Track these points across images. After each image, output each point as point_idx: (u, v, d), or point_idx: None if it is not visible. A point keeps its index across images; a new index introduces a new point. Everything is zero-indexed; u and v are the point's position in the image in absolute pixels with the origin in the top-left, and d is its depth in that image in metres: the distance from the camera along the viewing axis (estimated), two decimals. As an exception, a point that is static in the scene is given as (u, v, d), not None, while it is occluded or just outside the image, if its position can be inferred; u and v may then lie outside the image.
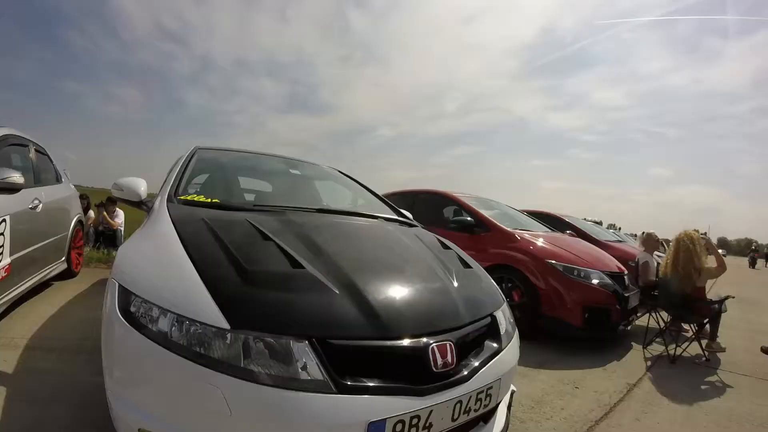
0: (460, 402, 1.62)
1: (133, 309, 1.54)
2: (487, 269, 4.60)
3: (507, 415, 2.11)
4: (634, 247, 7.13)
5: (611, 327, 4.31)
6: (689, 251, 4.27)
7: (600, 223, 13.07)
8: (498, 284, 4.45)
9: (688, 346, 4.29)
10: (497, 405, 1.99)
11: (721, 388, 3.63)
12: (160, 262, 1.76)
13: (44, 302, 4.35)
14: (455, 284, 2.06)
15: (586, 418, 2.86)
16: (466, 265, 2.47)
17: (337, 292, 1.66)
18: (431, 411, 1.51)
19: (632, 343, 4.78)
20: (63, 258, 4.98)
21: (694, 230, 4.46)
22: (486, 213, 5.26)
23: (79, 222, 5.54)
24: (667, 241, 5.67)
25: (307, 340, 1.42)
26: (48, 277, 4.58)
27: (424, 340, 1.60)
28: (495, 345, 1.93)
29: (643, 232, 5.90)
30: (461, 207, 5.46)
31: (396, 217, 3.22)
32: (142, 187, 2.69)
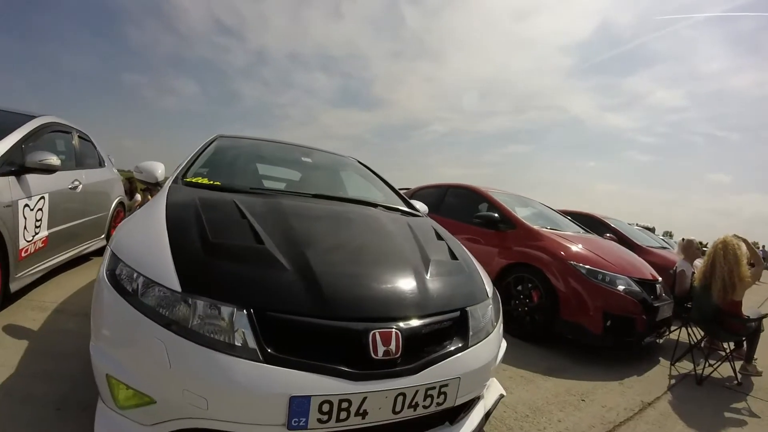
0: (403, 395, 1.56)
1: (117, 272, 1.67)
2: (508, 267, 4.43)
3: (481, 420, 2.00)
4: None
5: (635, 338, 3.96)
6: (725, 260, 3.83)
7: (653, 229, 12.21)
8: (518, 284, 4.26)
9: (719, 365, 3.88)
10: (466, 406, 1.91)
11: (747, 417, 3.25)
12: (144, 233, 1.91)
13: (80, 274, 4.57)
14: (427, 275, 2.00)
15: (583, 434, 2.64)
16: (453, 257, 2.38)
17: (289, 269, 1.71)
18: (365, 398, 1.48)
19: (660, 358, 4.39)
20: (102, 236, 5.24)
21: (734, 235, 3.99)
22: (513, 210, 5.00)
23: (121, 203, 5.82)
24: None
25: (245, 309, 1.49)
26: (86, 251, 4.82)
27: (366, 325, 1.59)
28: (460, 342, 1.83)
29: (683, 239, 5.37)
30: (488, 202, 5.22)
31: (399, 206, 3.15)
32: (159, 170, 2.93)
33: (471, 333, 1.88)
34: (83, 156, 4.80)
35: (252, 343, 1.45)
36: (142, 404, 1.49)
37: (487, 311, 2.09)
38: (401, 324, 1.65)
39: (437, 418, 1.79)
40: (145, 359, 1.48)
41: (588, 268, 4.03)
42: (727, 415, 3.23)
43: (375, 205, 2.95)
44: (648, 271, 4.58)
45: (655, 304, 4.11)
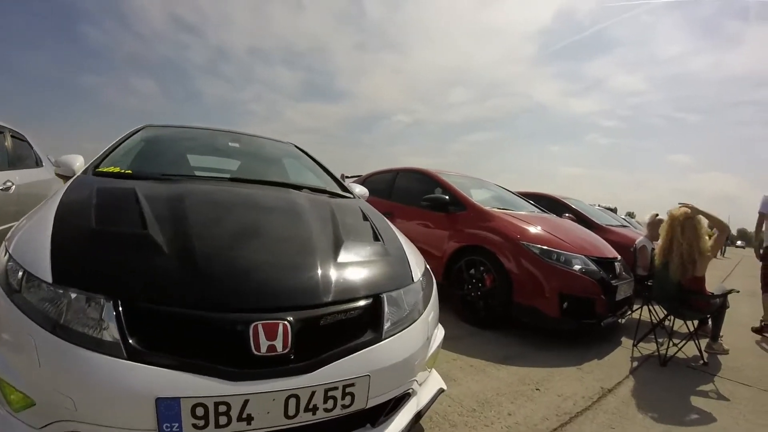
0: (296, 397, 1.32)
1: (7, 267, 1.47)
2: (459, 250, 4.02)
3: (412, 420, 1.68)
4: (639, 232, 6.22)
5: (595, 319, 3.58)
6: (683, 235, 3.46)
7: (615, 210, 12.01)
8: (470, 267, 3.86)
9: (683, 345, 3.52)
10: (392, 404, 1.62)
11: (715, 401, 2.87)
12: (32, 225, 1.70)
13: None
14: (335, 259, 1.71)
15: (535, 428, 2.26)
16: (376, 239, 2.04)
17: (169, 256, 1.50)
18: (247, 400, 1.26)
19: (622, 339, 4.02)
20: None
21: (682, 204, 3.59)
22: (466, 192, 4.56)
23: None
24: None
25: (113, 300, 1.30)
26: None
27: (248, 316, 1.34)
28: (371, 333, 1.55)
29: (655, 214, 4.92)
30: (438, 184, 4.78)
31: (330, 189, 2.82)
32: (77, 163, 2.57)
33: (386, 323, 1.59)
34: (17, 156, 4.41)
35: (117, 338, 1.25)
36: (28, 406, 1.31)
37: (413, 298, 1.78)
38: (291, 315, 1.38)
39: (355, 419, 1.51)
40: (21, 357, 1.31)
41: (541, 248, 3.63)
42: (694, 399, 2.86)
43: (300, 188, 2.60)
44: (607, 250, 4.21)
45: (615, 283, 3.74)
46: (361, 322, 1.54)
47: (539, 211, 5.09)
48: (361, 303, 1.56)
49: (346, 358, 1.42)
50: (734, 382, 3.21)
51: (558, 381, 2.88)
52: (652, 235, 4.77)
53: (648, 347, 3.76)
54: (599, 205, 9.22)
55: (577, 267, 3.60)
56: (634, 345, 3.79)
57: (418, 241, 4.62)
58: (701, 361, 3.53)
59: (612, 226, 6.60)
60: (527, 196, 6.46)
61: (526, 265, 3.57)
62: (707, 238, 3.47)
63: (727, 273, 11.25)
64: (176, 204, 1.85)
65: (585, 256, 3.74)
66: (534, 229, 3.91)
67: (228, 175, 2.78)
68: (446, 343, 3.36)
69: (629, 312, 4.28)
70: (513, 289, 3.60)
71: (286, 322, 1.35)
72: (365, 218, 2.28)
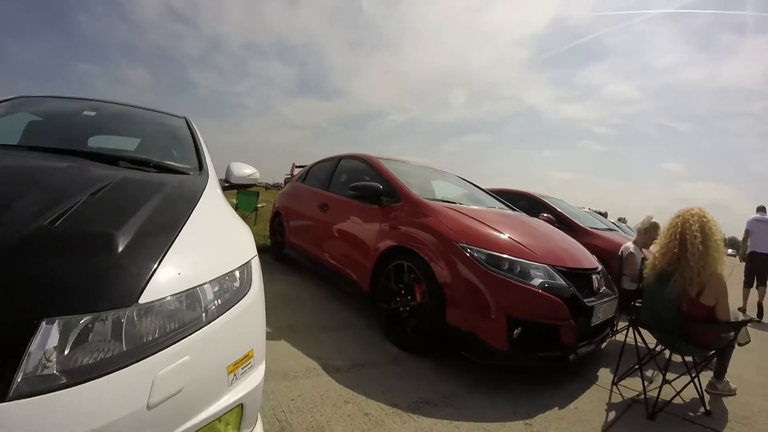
0: None
1: None
2: (387, 252, 2.97)
3: None
4: (629, 237, 5.09)
5: (559, 352, 2.50)
6: (692, 240, 2.40)
7: (605, 214, 10.86)
8: (400, 274, 2.82)
9: (683, 390, 2.45)
10: None
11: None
12: None
13: None
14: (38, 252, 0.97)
15: None
16: (118, 227, 1.15)
17: None
18: None
19: (599, 373, 2.93)
20: None
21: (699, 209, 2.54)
22: (405, 181, 3.48)
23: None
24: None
25: None
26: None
27: None
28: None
29: (651, 217, 3.81)
30: (376, 171, 3.73)
31: (172, 165, 2.10)
32: None
33: (32, 369, 0.82)
34: None
35: None
36: None
37: (138, 328, 0.97)
38: None
39: None
40: None
41: (488, 253, 2.55)
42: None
43: (117, 161, 1.90)
44: (584, 258, 3.12)
45: (590, 303, 2.66)
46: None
47: (503, 207, 4.00)
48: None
49: None
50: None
51: (491, 449, 1.86)
52: (644, 241, 3.71)
53: (633, 386, 2.70)
54: (589, 209, 8.08)
55: (536, 281, 2.51)
56: (614, 383, 2.71)
57: (346, 240, 3.54)
58: (702, 410, 2.48)
59: (597, 229, 5.47)
60: (503, 193, 5.40)
61: (465, 275, 2.51)
62: (720, 254, 2.40)
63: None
64: None
65: (551, 265, 2.65)
66: (484, 229, 2.82)
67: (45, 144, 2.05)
68: (348, 374, 2.30)
69: (610, 336, 3.21)
70: (445, 306, 2.55)
71: None
72: (146, 199, 1.36)
